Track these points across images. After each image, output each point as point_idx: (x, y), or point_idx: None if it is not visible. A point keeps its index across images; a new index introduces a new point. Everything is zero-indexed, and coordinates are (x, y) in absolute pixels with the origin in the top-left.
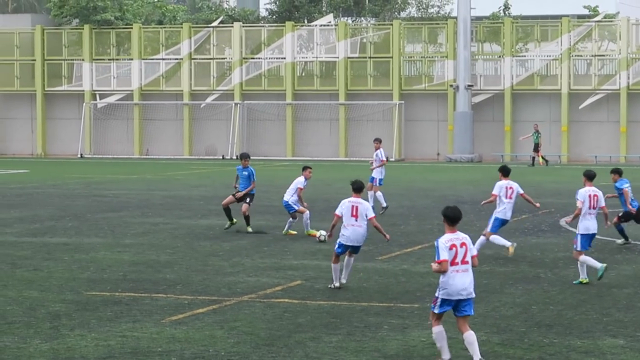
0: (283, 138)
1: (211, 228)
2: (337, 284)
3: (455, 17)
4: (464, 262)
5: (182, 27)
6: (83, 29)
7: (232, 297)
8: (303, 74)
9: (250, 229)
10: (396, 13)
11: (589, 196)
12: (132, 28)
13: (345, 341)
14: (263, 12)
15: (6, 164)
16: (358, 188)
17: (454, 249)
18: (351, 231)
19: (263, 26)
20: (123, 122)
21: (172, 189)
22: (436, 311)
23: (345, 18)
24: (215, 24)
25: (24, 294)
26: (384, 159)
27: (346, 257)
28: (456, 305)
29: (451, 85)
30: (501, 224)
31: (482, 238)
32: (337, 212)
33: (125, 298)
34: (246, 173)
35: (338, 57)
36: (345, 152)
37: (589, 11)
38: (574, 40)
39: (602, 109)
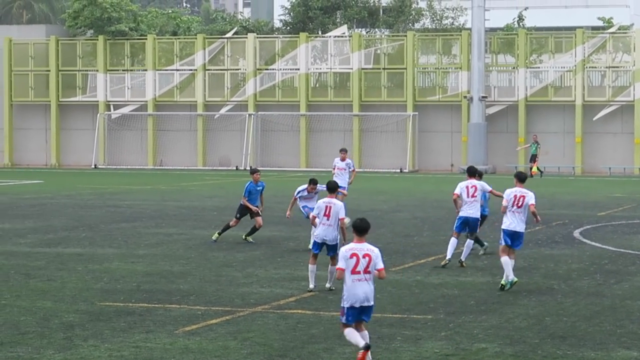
0: (297, 149)
1: (225, 239)
2: (312, 286)
3: (470, 29)
4: (365, 271)
5: (196, 38)
6: (97, 39)
7: (246, 308)
8: (317, 85)
9: (251, 239)
10: (410, 24)
11: (514, 196)
12: (146, 39)
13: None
14: (277, 23)
15: (20, 174)
16: (331, 188)
17: (355, 258)
18: (322, 229)
19: (277, 37)
20: (137, 133)
21: (185, 200)
22: (344, 321)
23: (360, 29)
24: (229, 35)
25: (38, 304)
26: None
27: (329, 265)
28: (359, 313)
29: (465, 97)
30: (462, 222)
31: (452, 239)
32: (314, 212)
33: (138, 309)
34: (260, 188)
35: (352, 68)
36: (359, 163)
37: (603, 23)
38: (588, 51)
39: (616, 121)
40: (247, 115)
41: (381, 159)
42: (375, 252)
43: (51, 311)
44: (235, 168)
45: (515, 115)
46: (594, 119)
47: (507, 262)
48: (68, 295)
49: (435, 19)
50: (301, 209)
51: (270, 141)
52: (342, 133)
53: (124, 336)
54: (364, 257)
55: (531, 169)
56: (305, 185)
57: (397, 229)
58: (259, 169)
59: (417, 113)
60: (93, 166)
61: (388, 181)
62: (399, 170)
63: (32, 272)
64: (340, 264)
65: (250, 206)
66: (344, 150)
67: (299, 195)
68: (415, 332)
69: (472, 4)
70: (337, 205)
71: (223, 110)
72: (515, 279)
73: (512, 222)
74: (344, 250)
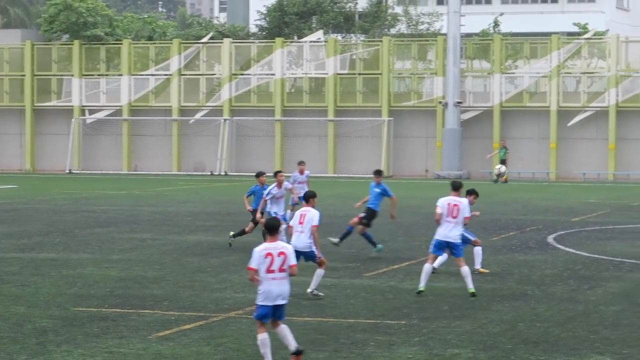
0: (272, 154)
1: (199, 244)
2: (312, 288)
3: (445, 34)
4: (281, 270)
5: (172, 43)
6: (73, 44)
7: (219, 313)
8: (292, 90)
9: (230, 242)
10: (386, 30)
11: (448, 204)
12: (122, 44)
13: (332, 358)
14: (253, 29)
15: None
16: (306, 198)
17: (270, 257)
18: (295, 237)
19: (253, 42)
20: (112, 138)
21: (160, 205)
22: (256, 317)
23: (335, 34)
24: (205, 40)
25: (11, 310)
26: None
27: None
28: (273, 311)
29: (440, 102)
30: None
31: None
32: (291, 222)
33: (112, 314)
34: (266, 191)
35: (327, 74)
36: (334, 168)
37: (579, 28)
38: (564, 57)
39: (591, 126)
40: (222, 121)
41: (356, 164)
42: (289, 249)
43: (24, 316)
44: (210, 173)
45: (490, 120)
46: (569, 124)
47: (427, 270)
48: (41, 300)
49: (411, 24)
50: (270, 215)
51: (245, 146)
52: (317, 138)
53: (97, 341)
54: (279, 255)
55: (500, 175)
56: (274, 185)
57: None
58: (264, 172)
59: (392, 118)
60: (67, 171)
61: (363, 186)
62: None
63: (6, 278)
64: (252, 264)
65: (248, 206)
66: (302, 163)
67: (270, 197)
68: (388, 337)
69: (447, 10)
70: (312, 212)
71: (198, 115)
72: (422, 289)
73: (446, 232)
74: (258, 250)
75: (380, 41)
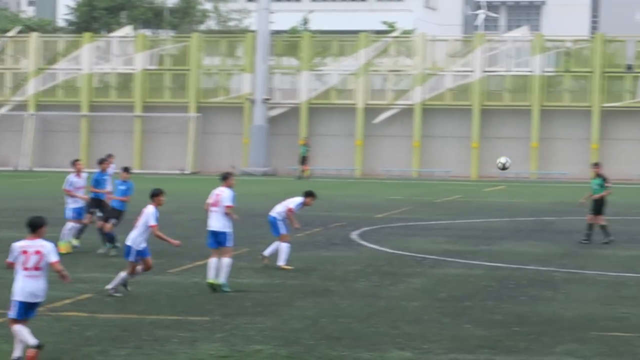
0: (78, 150)
1: (1, 241)
2: (110, 286)
3: (255, 31)
4: (36, 268)
5: None
6: None
7: None
8: (100, 86)
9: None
10: (195, 25)
11: (215, 194)
12: None
13: (134, 355)
14: (61, 23)
15: None
16: (150, 195)
17: (25, 255)
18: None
19: (60, 37)
20: None
21: None
22: (12, 316)
23: (144, 30)
24: (11, 33)
25: None
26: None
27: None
28: (28, 308)
29: (248, 99)
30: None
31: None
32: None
33: None
34: (106, 177)
35: (135, 69)
36: (140, 164)
37: (387, 27)
38: (371, 55)
39: (396, 124)
40: (27, 115)
41: (162, 161)
42: (47, 247)
43: None
44: (13, 169)
45: (297, 117)
46: (375, 122)
47: (210, 264)
48: None
49: (220, 20)
50: (68, 210)
51: (50, 142)
52: (123, 134)
53: None
54: (35, 253)
55: (303, 172)
56: (73, 174)
57: (176, 231)
58: (105, 158)
59: (199, 114)
60: None
61: (169, 182)
62: (179, 172)
63: None
64: (9, 258)
65: (84, 196)
66: (111, 156)
67: (70, 187)
68: (191, 334)
69: (257, 6)
70: (147, 211)
71: (3, 110)
72: (212, 282)
73: (212, 221)
74: (17, 246)
75: (190, 37)
